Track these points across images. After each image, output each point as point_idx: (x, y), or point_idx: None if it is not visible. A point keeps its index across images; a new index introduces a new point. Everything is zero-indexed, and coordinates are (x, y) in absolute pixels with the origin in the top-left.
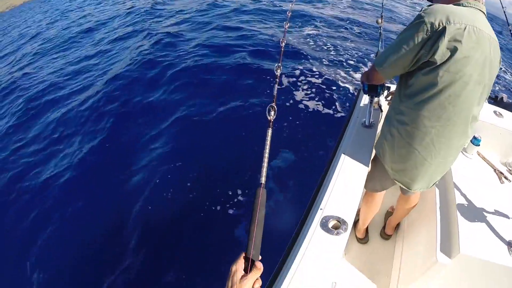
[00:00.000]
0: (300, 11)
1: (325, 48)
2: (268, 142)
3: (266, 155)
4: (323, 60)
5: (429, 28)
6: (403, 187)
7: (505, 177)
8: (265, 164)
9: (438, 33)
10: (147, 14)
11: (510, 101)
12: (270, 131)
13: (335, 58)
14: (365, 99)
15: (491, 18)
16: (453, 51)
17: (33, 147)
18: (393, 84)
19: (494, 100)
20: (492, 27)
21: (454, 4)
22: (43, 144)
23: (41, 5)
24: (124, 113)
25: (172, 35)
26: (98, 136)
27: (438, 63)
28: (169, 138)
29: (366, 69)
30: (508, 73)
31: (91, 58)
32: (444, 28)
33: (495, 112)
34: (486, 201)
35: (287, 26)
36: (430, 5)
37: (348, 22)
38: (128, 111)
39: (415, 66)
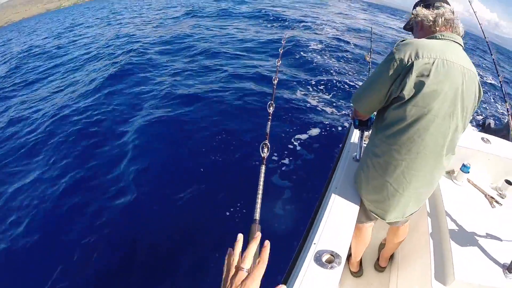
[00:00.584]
0: (294, 40)
1: (319, 82)
2: (261, 179)
3: (260, 191)
4: (317, 94)
5: (398, 64)
6: (378, 217)
7: (496, 201)
8: (259, 201)
9: (406, 69)
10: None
11: (497, 126)
12: (263, 168)
13: (327, 92)
14: (356, 133)
15: (476, 39)
16: (421, 85)
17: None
18: None
19: (482, 126)
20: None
21: (429, 37)
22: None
23: (37, 24)
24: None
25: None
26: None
27: (406, 98)
28: (158, 171)
29: None
30: (494, 98)
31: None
32: (412, 64)
33: (482, 138)
34: (478, 226)
35: (279, 63)
36: (403, 40)
37: (341, 52)
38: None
39: (389, 101)
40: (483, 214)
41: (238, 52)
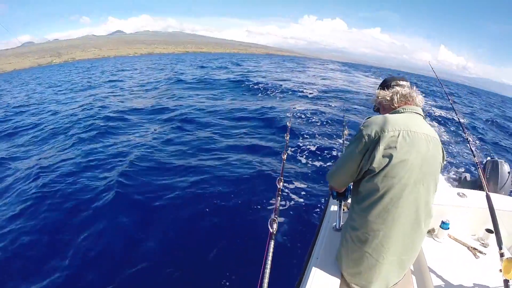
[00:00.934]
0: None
1: (306, 148)
2: (270, 254)
3: (268, 267)
4: (307, 160)
5: (366, 140)
6: None
7: (479, 251)
8: (266, 280)
9: (374, 143)
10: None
11: (473, 178)
12: (272, 243)
13: (316, 159)
14: (335, 203)
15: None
16: (389, 157)
17: None
18: None
19: (458, 181)
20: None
21: (392, 113)
22: None
23: (29, 76)
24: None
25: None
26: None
27: (377, 171)
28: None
29: None
30: (467, 152)
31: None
32: (379, 138)
33: (458, 193)
34: (464, 278)
35: (287, 137)
36: (368, 118)
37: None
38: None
39: (360, 175)
40: (468, 266)
41: (231, 123)
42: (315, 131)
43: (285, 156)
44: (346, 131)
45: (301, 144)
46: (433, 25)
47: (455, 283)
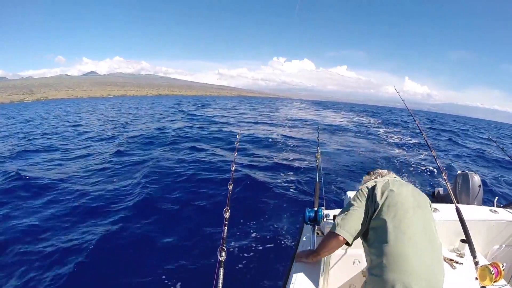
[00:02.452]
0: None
1: (275, 187)
2: (220, 283)
3: None
4: (271, 200)
5: (366, 189)
6: None
7: (456, 262)
8: None
9: (372, 189)
10: None
11: (445, 192)
12: (222, 272)
13: (281, 196)
14: (308, 229)
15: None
16: (387, 192)
17: None
18: (332, 209)
19: (433, 195)
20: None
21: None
22: None
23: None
24: None
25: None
26: None
27: (380, 204)
28: None
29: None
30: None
31: None
32: (375, 185)
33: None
34: None
35: (233, 169)
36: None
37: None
38: None
39: (367, 219)
40: (446, 278)
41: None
42: (264, 154)
43: (231, 186)
44: (318, 155)
45: (260, 177)
46: (396, 59)
47: None
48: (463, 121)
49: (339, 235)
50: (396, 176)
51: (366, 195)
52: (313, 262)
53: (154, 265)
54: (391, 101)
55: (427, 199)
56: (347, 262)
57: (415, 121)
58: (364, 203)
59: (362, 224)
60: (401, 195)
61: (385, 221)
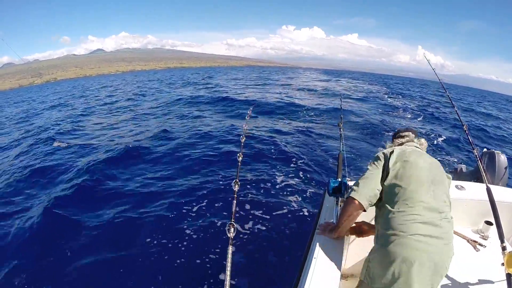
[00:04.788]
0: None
1: (286, 156)
2: (229, 260)
3: (228, 273)
4: (283, 168)
5: (383, 155)
6: None
7: (480, 244)
8: (227, 282)
9: (389, 155)
10: None
11: (469, 170)
12: (230, 249)
13: (295, 166)
14: (330, 200)
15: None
16: (403, 161)
17: None
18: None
19: (454, 173)
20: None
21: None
22: None
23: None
24: None
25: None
26: None
27: (392, 173)
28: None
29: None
30: (462, 144)
31: None
32: (393, 151)
33: (457, 186)
34: (467, 273)
35: (243, 140)
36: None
37: (310, 127)
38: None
39: (382, 184)
40: (468, 259)
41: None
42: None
43: (241, 158)
44: (341, 124)
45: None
46: (409, 28)
47: (456, 276)
48: (478, 93)
49: (354, 199)
50: (422, 143)
51: (383, 160)
52: (336, 237)
53: (159, 242)
54: (403, 71)
55: (444, 175)
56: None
57: (447, 96)
58: (380, 168)
59: (377, 190)
60: (416, 167)
61: (395, 192)
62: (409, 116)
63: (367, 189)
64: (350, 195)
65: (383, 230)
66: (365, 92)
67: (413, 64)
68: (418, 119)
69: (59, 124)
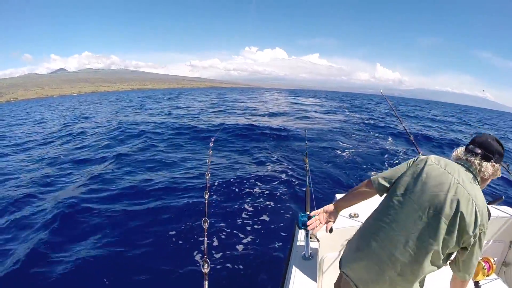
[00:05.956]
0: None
1: (254, 190)
2: None
3: None
4: (252, 202)
5: (414, 159)
6: None
7: None
8: None
9: (411, 162)
10: None
11: None
12: (206, 284)
13: (263, 200)
14: (301, 233)
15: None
16: (416, 172)
17: None
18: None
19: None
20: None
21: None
22: None
23: None
24: None
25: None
26: None
27: (398, 179)
28: None
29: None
30: None
31: None
32: (425, 159)
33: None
34: (433, 284)
35: (208, 177)
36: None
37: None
38: None
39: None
40: (435, 274)
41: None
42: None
43: (207, 195)
44: (306, 159)
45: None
46: (368, 46)
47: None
48: (431, 105)
49: (370, 178)
50: (463, 163)
51: (408, 165)
52: (332, 210)
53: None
54: (362, 88)
55: (443, 222)
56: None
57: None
58: (406, 167)
59: (391, 179)
60: (427, 188)
61: (388, 199)
62: (362, 128)
63: (384, 174)
64: (374, 178)
65: (357, 232)
66: (327, 110)
67: (372, 81)
68: (371, 132)
69: None
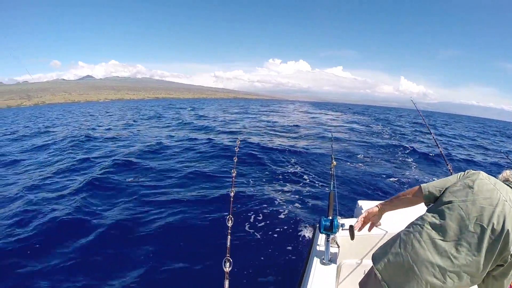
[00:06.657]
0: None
1: (280, 190)
2: None
3: None
4: (277, 201)
5: (462, 174)
6: None
7: None
8: None
9: (459, 176)
10: None
11: None
12: (227, 283)
13: (290, 199)
14: (322, 237)
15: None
16: (460, 191)
17: None
18: (347, 218)
19: None
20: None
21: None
22: None
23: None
24: None
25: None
26: None
27: (443, 196)
28: None
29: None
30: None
31: None
32: (464, 175)
33: None
34: None
35: (234, 174)
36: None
37: (302, 164)
38: None
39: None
40: None
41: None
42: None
43: (233, 193)
44: (334, 162)
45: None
46: (391, 59)
47: None
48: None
49: (420, 185)
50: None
51: (458, 178)
52: (375, 211)
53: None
54: (386, 101)
55: (485, 234)
56: (359, 272)
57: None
58: (456, 179)
59: (441, 189)
60: (477, 199)
61: (436, 205)
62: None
63: (434, 183)
64: (421, 187)
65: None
66: (350, 124)
67: (396, 94)
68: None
69: None
